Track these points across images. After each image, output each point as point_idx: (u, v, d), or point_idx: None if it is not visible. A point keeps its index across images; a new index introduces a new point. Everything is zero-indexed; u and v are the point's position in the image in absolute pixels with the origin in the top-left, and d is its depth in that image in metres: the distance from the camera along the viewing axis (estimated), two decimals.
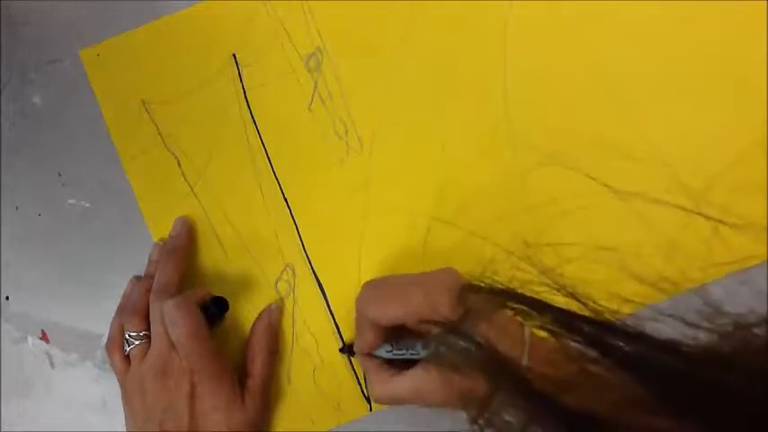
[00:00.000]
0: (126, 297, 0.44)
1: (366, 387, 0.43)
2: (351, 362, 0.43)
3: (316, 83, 0.46)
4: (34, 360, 0.45)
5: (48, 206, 0.46)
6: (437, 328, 0.34)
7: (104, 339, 0.44)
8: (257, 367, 0.42)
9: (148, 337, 0.40)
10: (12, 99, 0.47)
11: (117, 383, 0.42)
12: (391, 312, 0.37)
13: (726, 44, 0.45)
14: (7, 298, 0.45)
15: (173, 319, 0.39)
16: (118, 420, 0.43)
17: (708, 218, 0.35)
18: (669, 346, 0.25)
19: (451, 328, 0.33)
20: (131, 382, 0.40)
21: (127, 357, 0.41)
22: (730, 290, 0.37)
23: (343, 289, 0.44)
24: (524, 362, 0.34)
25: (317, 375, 0.44)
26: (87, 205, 0.46)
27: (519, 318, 0.35)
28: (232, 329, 0.44)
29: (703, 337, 0.25)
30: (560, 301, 0.29)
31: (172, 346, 0.39)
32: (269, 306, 0.44)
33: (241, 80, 0.46)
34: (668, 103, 0.45)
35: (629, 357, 0.26)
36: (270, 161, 0.46)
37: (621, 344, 0.26)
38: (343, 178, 0.45)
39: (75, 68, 0.47)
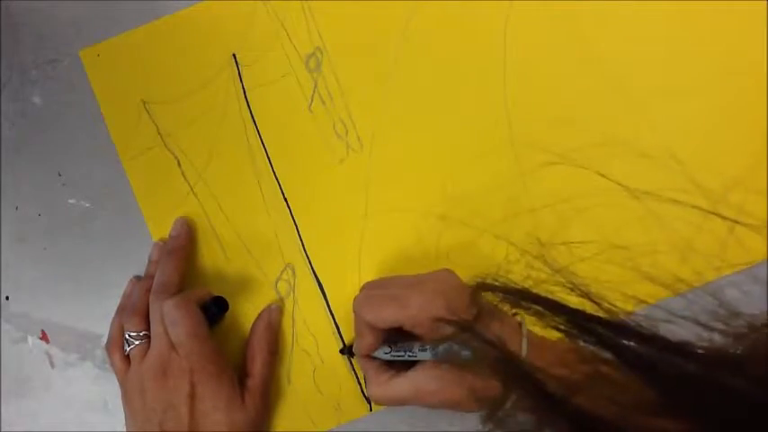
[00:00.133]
0: (126, 297, 0.44)
1: (365, 387, 0.43)
2: (351, 362, 0.43)
3: (316, 83, 0.46)
4: (34, 360, 0.45)
5: (48, 206, 0.46)
6: (449, 328, 0.34)
7: (104, 339, 0.44)
8: (257, 367, 0.42)
9: (148, 337, 0.40)
10: (12, 99, 0.47)
11: (117, 383, 0.42)
12: (388, 315, 0.37)
13: (724, 41, 0.45)
14: (7, 298, 0.45)
15: (173, 318, 0.39)
16: (118, 420, 0.43)
17: (724, 218, 0.35)
18: (682, 348, 0.25)
19: (465, 327, 0.33)
20: (131, 382, 0.40)
21: (127, 357, 0.41)
22: (744, 289, 0.37)
23: (343, 289, 0.44)
24: (523, 354, 0.34)
25: (316, 375, 0.44)
26: (87, 205, 0.46)
27: (519, 316, 0.35)
28: (232, 329, 0.44)
29: (717, 338, 0.25)
30: (573, 300, 0.29)
31: (172, 346, 0.39)
32: (269, 306, 0.44)
33: (241, 80, 0.46)
34: (668, 102, 0.45)
35: (642, 359, 0.25)
36: (270, 161, 0.46)
37: (634, 345, 0.26)
38: (343, 178, 0.45)
39: (75, 68, 0.47)
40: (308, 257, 0.45)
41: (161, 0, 0.47)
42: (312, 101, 0.46)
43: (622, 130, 0.45)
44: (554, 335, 0.30)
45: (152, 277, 0.42)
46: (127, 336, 0.41)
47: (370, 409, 0.43)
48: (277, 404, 0.43)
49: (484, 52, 0.46)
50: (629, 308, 0.28)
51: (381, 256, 0.45)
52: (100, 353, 0.45)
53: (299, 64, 0.46)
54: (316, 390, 0.43)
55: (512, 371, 0.29)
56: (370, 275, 0.44)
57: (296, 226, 0.45)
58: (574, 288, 0.29)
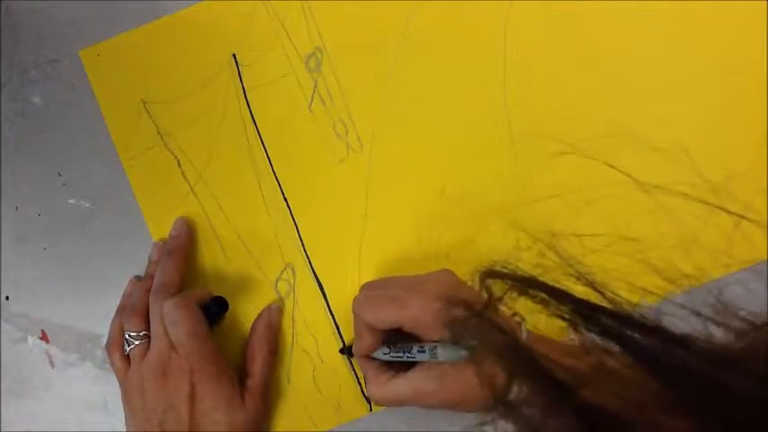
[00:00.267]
0: (126, 297, 0.44)
1: (365, 388, 0.43)
2: (351, 362, 0.43)
3: (316, 83, 0.46)
4: (34, 360, 0.45)
5: (48, 206, 0.46)
6: (460, 313, 0.34)
7: (104, 339, 0.44)
8: (257, 367, 0.42)
9: (148, 337, 0.40)
10: (12, 99, 0.47)
11: (117, 383, 0.42)
12: (387, 316, 0.37)
13: (724, 41, 0.45)
14: (7, 298, 0.45)
15: (173, 318, 0.39)
16: (118, 420, 0.43)
17: (730, 213, 0.35)
18: (685, 341, 0.25)
19: (477, 312, 0.33)
20: (131, 382, 0.40)
21: (127, 357, 0.41)
22: (749, 287, 0.37)
23: (343, 289, 0.44)
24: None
25: (316, 375, 0.44)
26: (87, 205, 0.46)
27: (537, 305, 0.35)
28: (232, 329, 0.44)
29: (719, 334, 0.25)
30: (579, 290, 0.29)
31: (172, 345, 0.39)
32: (269, 306, 0.44)
33: (241, 80, 0.46)
34: (668, 101, 0.45)
35: (646, 350, 0.25)
36: (270, 161, 0.46)
37: (638, 336, 0.26)
38: (344, 178, 0.45)
39: (75, 68, 0.47)
40: (308, 257, 0.45)
41: (161, 0, 0.47)
42: (312, 101, 0.46)
43: (623, 129, 0.45)
44: (558, 324, 0.30)
45: (152, 277, 0.42)
46: (127, 336, 0.41)
47: (370, 409, 0.43)
48: (277, 404, 0.43)
49: (484, 52, 0.46)
50: (635, 299, 0.28)
51: (381, 256, 0.45)
52: (100, 353, 0.45)
53: (299, 64, 0.46)
54: (316, 390, 0.43)
55: (519, 358, 0.29)
56: (369, 275, 0.44)
57: (296, 226, 0.45)
58: (580, 277, 0.29)
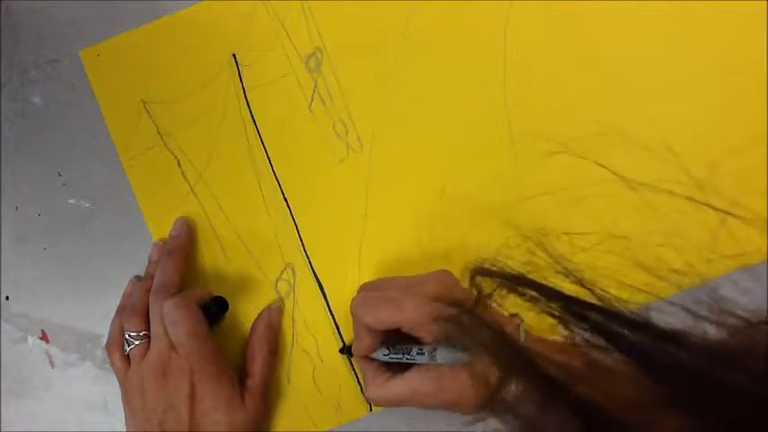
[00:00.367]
0: (126, 297, 0.44)
1: (364, 388, 0.43)
2: (351, 362, 0.43)
3: (316, 83, 0.46)
4: (34, 360, 0.45)
5: (48, 206, 0.46)
6: (451, 311, 0.34)
7: (104, 339, 0.44)
8: (257, 367, 0.42)
9: (148, 337, 0.40)
10: (12, 99, 0.47)
11: (117, 383, 0.42)
12: (385, 317, 0.37)
13: (724, 41, 0.45)
14: (7, 298, 0.45)
15: (173, 318, 0.39)
16: (118, 420, 0.43)
17: (716, 209, 0.35)
18: (676, 337, 0.25)
19: (467, 309, 0.33)
20: (131, 382, 0.40)
21: (127, 357, 0.41)
22: (742, 286, 0.37)
23: (343, 289, 0.44)
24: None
25: (316, 375, 0.44)
26: (87, 205, 0.46)
27: (527, 303, 0.35)
28: (232, 329, 0.44)
29: (712, 331, 0.25)
30: (570, 288, 0.29)
31: (172, 345, 0.39)
32: (269, 306, 0.44)
33: (241, 80, 0.46)
34: (668, 101, 0.45)
35: (635, 346, 0.26)
36: (270, 161, 0.46)
37: (628, 332, 0.26)
38: (344, 178, 0.45)
39: (75, 68, 0.47)
40: (308, 257, 0.45)
41: (161, 0, 0.47)
42: (312, 101, 0.46)
43: (623, 129, 0.45)
44: (549, 321, 0.30)
45: (152, 277, 0.42)
46: (127, 336, 0.41)
47: (370, 409, 0.43)
48: (277, 404, 0.43)
49: (484, 52, 0.46)
50: (626, 296, 0.28)
51: (381, 256, 0.45)
52: (100, 353, 0.45)
53: (299, 64, 0.46)
54: (315, 390, 0.43)
55: (511, 355, 0.29)
56: (369, 275, 0.44)
57: (296, 226, 0.45)
58: (568, 275, 0.29)
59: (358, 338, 0.39)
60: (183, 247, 0.44)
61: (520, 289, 0.31)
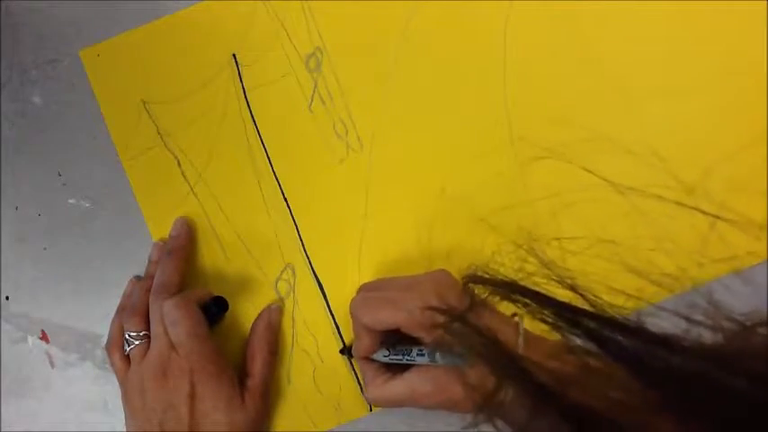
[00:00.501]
0: (126, 297, 0.44)
1: (364, 389, 0.43)
2: (351, 363, 0.43)
3: (316, 83, 0.46)
4: (34, 360, 0.45)
5: (48, 206, 0.46)
6: (441, 318, 0.34)
7: (104, 339, 0.44)
8: (257, 367, 0.42)
9: (148, 337, 0.40)
10: (12, 99, 0.47)
11: (117, 383, 0.42)
12: (384, 318, 0.37)
13: (724, 41, 0.45)
14: (7, 298, 0.45)
15: (173, 318, 0.39)
16: (118, 420, 0.43)
17: (705, 213, 0.36)
18: (668, 342, 0.25)
19: (457, 317, 0.33)
20: (131, 382, 0.40)
21: (127, 357, 0.41)
22: (734, 290, 0.37)
23: (343, 289, 0.44)
24: (519, 351, 0.34)
25: (316, 375, 0.44)
26: (87, 205, 0.46)
27: (519, 311, 0.36)
28: (232, 329, 0.44)
29: (707, 335, 0.25)
30: (562, 294, 0.29)
31: (172, 345, 0.39)
32: (269, 306, 0.44)
33: (241, 80, 0.46)
34: (669, 101, 0.45)
35: (627, 351, 0.26)
36: (270, 161, 0.46)
37: (620, 338, 0.26)
38: (344, 178, 0.45)
39: (75, 68, 0.47)
40: (308, 257, 0.45)
41: (161, 0, 0.47)
42: (312, 101, 0.46)
43: (623, 129, 0.45)
44: (543, 327, 0.30)
45: (152, 277, 0.42)
46: (127, 336, 0.41)
47: (370, 409, 0.43)
48: (277, 404, 0.43)
49: (484, 52, 0.46)
50: (619, 302, 0.28)
51: (381, 256, 0.45)
52: (100, 353, 0.45)
53: (299, 64, 0.46)
54: (316, 390, 0.43)
55: (503, 361, 0.29)
56: (369, 275, 0.44)
57: (296, 226, 0.45)
58: (561, 281, 0.29)
59: (358, 339, 0.39)
60: (183, 247, 0.44)
61: (513, 296, 0.31)
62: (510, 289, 0.31)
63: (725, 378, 0.23)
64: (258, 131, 0.46)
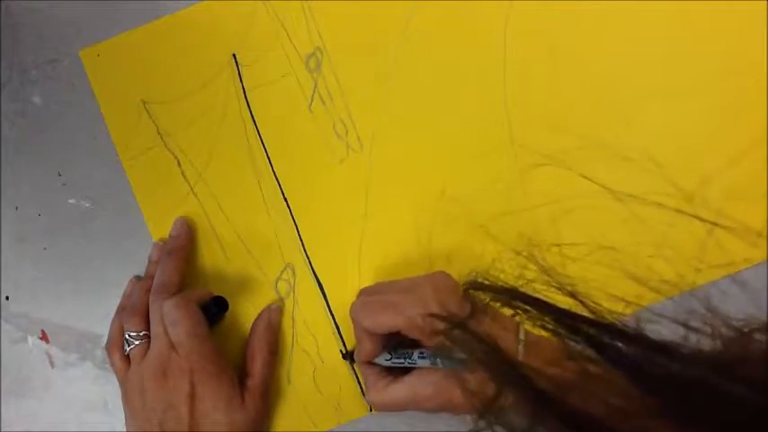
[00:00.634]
0: (126, 297, 0.44)
1: (365, 393, 0.43)
2: (353, 367, 0.43)
3: (316, 83, 0.46)
4: (34, 360, 0.45)
5: (48, 206, 0.46)
6: (442, 325, 0.34)
7: (104, 339, 0.44)
8: (257, 367, 0.42)
9: (148, 337, 0.40)
10: (12, 99, 0.47)
11: (117, 383, 0.42)
12: (385, 321, 0.37)
13: (724, 41, 0.45)
14: (7, 298, 0.45)
15: (173, 318, 0.39)
16: (118, 420, 0.43)
17: (703, 220, 0.36)
18: (667, 348, 0.25)
19: (457, 323, 0.33)
20: (131, 382, 0.40)
21: (127, 357, 0.41)
22: (731, 295, 0.37)
23: (343, 289, 0.44)
24: (519, 357, 0.34)
25: (316, 376, 0.44)
26: (87, 205, 0.46)
27: (519, 316, 0.36)
28: (232, 329, 0.44)
29: (705, 341, 0.25)
30: (562, 300, 0.29)
31: (172, 345, 0.39)
32: (269, 306, 0.44)
33: (241, 80, 0.46)
34: (668, 102, 0.45)
35: (627, 357, 0.26)
36: (270, 161, 0.46)
37: (620, 344, 0.26)
38: (344, 178, 0.45)
39: (75, 68, 0.47)
40: (308, 257, 0.45)
41: (161, 0, 0.47)
42: (312, 101, 0.46)
43: (621, 136, 0.45)
44: (544, 334, 0.30)
45: (152, 277, 0.42)
46: (127, 336, 0.41)
47: (371, 410, 0.43)
48: (277, 404, 0.43)
49: (484, 52, 0.46)
50: (619, 309, 0.28)
51: (381, 257, 0.45)
52: (100, 353, 0.45)
53: (299, 64, 0.46)
54: (316, 390, 0.43)
55: (503, 368, 0.30)
56: (369, 275, 0.44)
57: (296, 226, 0.45)
58: (561, 288, 0.29)
59: (359, 343, 0.39)
60: (183, 247, 0.44)
61: (513, 303, 0.31)
62: (510, 295, 0.31)
63: (723, 384, 0.23)
64: (258, 131, 0.46)
